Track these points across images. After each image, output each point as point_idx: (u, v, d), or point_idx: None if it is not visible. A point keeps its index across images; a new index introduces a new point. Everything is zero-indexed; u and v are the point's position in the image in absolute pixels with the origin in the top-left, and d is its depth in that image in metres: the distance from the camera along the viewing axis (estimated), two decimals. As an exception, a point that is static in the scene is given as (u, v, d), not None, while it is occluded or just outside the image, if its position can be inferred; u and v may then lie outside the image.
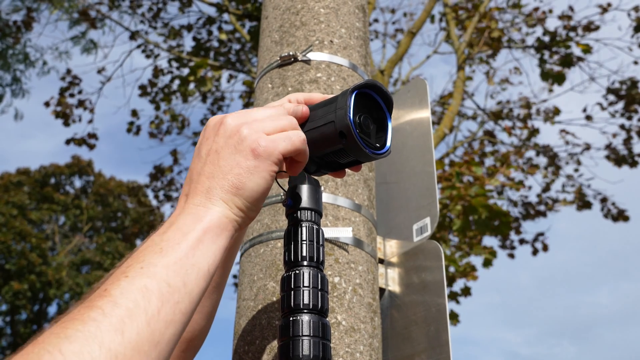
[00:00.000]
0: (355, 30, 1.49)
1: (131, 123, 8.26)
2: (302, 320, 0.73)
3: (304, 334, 0.73)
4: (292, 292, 0.75)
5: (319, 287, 0.76)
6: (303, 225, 0.79)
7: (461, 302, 7.16)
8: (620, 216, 8.00)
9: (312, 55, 1.39)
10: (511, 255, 7.56)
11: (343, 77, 1.40)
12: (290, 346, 0.72)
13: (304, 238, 0.78)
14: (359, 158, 0.78)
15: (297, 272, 0.76)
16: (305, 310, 0.74)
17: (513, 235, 7.77)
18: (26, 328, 14.74)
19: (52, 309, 15.28)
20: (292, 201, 0.81)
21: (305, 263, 0.77)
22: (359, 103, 0.77)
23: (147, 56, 8.10)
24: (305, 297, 0.75)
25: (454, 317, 7.23)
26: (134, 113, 8.26)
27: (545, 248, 8.00)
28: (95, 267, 15.21)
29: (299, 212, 0.80)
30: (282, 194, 1.25)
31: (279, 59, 1.41)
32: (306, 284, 0.76)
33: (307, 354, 0.72)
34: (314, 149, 0.78)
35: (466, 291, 7.09)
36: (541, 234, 8.02)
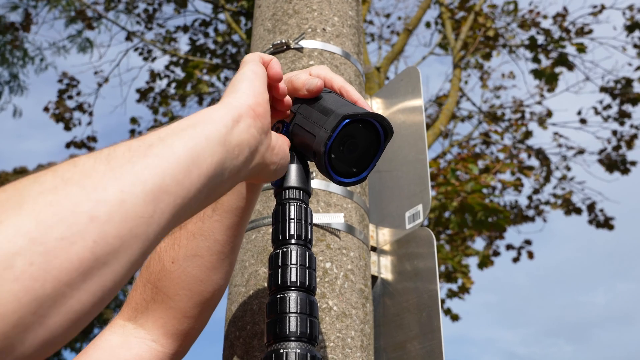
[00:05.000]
0: (348, 18, 1.49)
1: (132, 131, 8.28)
2: (289, 298, 0.73)
3: (291, 311, 0.73)
4: (280, 269, 0.75)
5: (307, 265, 0.76)
6: (291, 203, 0.79)
7: (458, 301, 7.17)
8: (606, 224, 7.97)
9: (305, 43, 1.39)
10: (491, 262, 7.40)
11: (336, 65, 1.40)
12: (277, 323, 0.72)
13: (292, 216, 0.78)
14: (326, 177, 0.80)
15: (285, 250, 0.76)
16: (292, 288, 0.74)
17: (498, 241, 7.70)
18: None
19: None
20: (279, 180, 0.81)
21: (293, 241, 0.77)
22: (352, 127, 0.77)
23: (145, 59, 8.11)
24: (293, 275, 0.74)
25: (454, 316, 7.24)
26: (134, 120, 8.27)
27: (530, 255, 7.96)
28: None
29: (286, 190, 0.80)
30: None
31: (271, 47, 1.41)
32: (294, 261, 0.75)
33: (294, 331, 0.72)
34: (296, 142, 0.80)
35: (464, 289, 7.10)
36: (528, 242, 7.98)
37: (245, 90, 0.68)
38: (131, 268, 0.47)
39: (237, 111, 0.64)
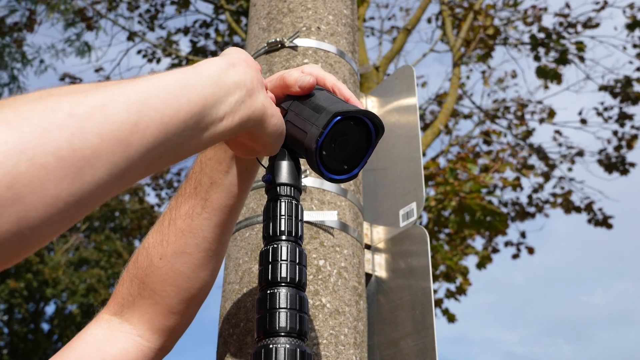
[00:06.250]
0: (343, 17, 1.50)
1: None
2: (279, 293, 0.74)
3: (281, 306, 0.73)
4: (270, 265, 0.76)
5: (297, 261, 0.77)
6: (282, 200, 0.79)
7: (456, 301, 7.17)
8: (605, 223, 7.96)
9: (299, 42, 1.40)
10: (489, 259, 7.36)
11: (330, 64, 1.40)
12: (267, 318, 0.73)
13: (283, 213, 0.78)
14: (317, 174, 0.80)
15: (275, 246, 0.76)
16: (282, 284, 0.75)
17: (498, 237, 7.69)
18: (23, 327, 14.72)
19: (49, 308, 15.27)
20: (271, 177, 0.81)
21: (283, 237, 0.77)
22: (343, 124, 0.77)
23: (149, 60, 8.11)
24: (283, 271, 0.75)
25: (451, 316, 7.25)
26: None
27: (531, 251, 7.95)
28: (92, 266, 15.19)
29: (277, 187, 0.80)
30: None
31: (266, 45, 1.41)
32: (284, 257, 0.76)
33: (284, 326, 0.72)
34: (287, 139, 0.80)
35: (461, 290, 7.10)
36: (523, 234, 7.96)
37: (235, 52, 0.70)
38: (115, 173, 0.48)
39: (231, 59, 0.66)
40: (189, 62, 7.67)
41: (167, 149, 0.54)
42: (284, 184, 0.80)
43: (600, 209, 8.00)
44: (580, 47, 7.51)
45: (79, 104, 0.46)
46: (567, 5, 7.84)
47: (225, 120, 0.62)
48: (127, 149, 0.49)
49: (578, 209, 8.00)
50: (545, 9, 7.81)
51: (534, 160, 8.22)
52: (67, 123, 0.45)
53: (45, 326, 14.85)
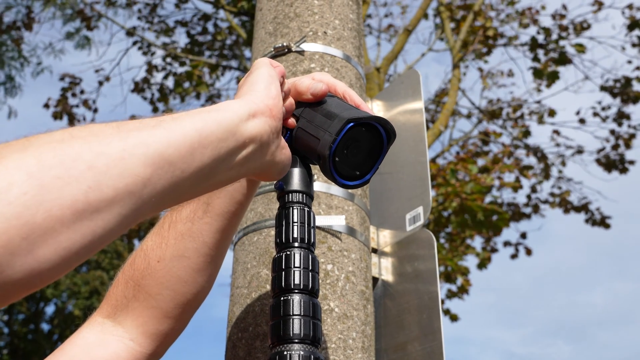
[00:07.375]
0: (349, 21, 1.50)
1: None
2: (292, 300, 0.74)
3: (294, 313, 0.74)
4: (283, 272, 0.76)
5: (310, 268, 0.77)
6: (294, 207, 0.80)
7: (457, 301, 7.19)
8: (602, 223, 7.96)
9: (306, 46, 1.40)
10: (488, 260, 7.33)
11: (337, 68, 1.41)
12: (281, 325, 0.73)
13: (295, 220, 0.79)
14: (330, 180, 0.81)
15: (288, 253, 0.77)
16: (296, 291, 0.75)
17: (495, 238, 7.67)
18: (23, 327, 14.72)
19: (49, 308, 15.27)
20: (283, 184, 0.82)
21: (296, 244, 0.78)
22: (355, 130, 0.78)
23: (144, 53, 8.11)
24: (296, 278, 0.76)
25: (453, 316, 7.26)
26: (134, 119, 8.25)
27: (528, 252, 7.94)
28: (93, 266, 15.19)
29: (290, 194, 0.81)
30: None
31: (272, 50, 1.42)
32: (297, 264, 0.76)
33: (297, 333, 0.73)
34: (299, 146, 0.80)
35: (463, 290, 7.11)
36: (524, 235, 7.96)
37: (263, 91, 0.69)
38: (122, 222, 0.50)
39: (255, 106, 0.66)
40: (185, 60, 7.67)
41: (172, 197, 0.56)
42: (296, 191, 0.81)
43: (597, 209, 8.01)
44: (580, 49, 7.52)
45: (99, 154, 0.48)
46: (564, 7, 7.85)
47: (231, 171, 0.63)
48: (137, 201, 0.50)
49: (577, 209, 8.01)
50: (543, 7, 7.81)
51: (531, 160, 8.22)
52: (86, 176, 0.46)
53: (45, 326, 14.84)
